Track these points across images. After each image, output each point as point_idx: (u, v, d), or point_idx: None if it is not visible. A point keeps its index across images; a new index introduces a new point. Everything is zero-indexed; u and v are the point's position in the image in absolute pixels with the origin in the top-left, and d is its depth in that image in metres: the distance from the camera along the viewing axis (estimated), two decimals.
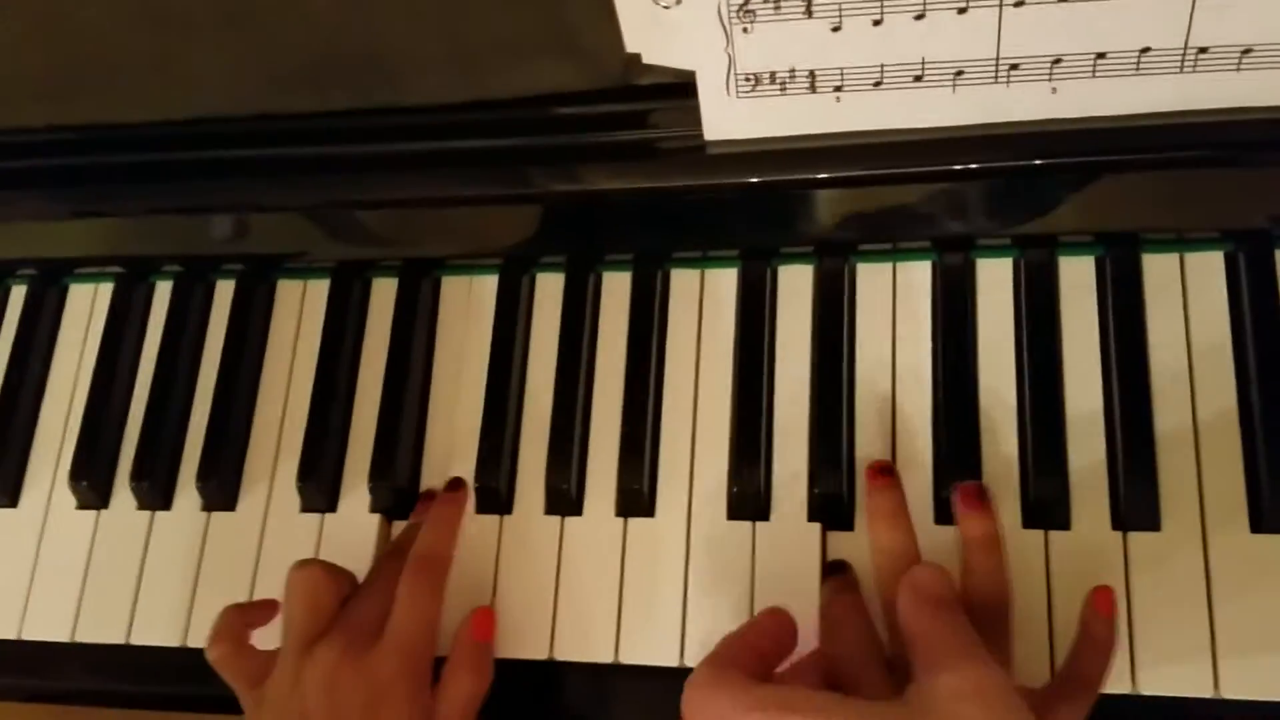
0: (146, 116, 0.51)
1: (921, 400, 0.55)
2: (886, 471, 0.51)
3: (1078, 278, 0.55)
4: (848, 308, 0.57)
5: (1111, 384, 0.52)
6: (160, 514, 0.61)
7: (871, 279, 0.57)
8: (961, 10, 0.38)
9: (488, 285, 0.61)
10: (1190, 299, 0.53)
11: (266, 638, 0.53)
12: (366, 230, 0.59)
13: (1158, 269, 0.54)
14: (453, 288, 0.62)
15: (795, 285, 0.58)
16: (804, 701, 0.37)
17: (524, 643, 0.54)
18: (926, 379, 0.55)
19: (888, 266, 0.57)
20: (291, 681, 0.47)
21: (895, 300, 0.57)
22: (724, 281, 0.59)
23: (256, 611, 0.53)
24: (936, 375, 0.55)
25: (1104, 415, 0.52)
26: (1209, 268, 0.53)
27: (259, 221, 0.58)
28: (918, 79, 0.41)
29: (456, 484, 0.56)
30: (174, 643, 0.58)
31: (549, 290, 0.61)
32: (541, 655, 0.54)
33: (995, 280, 0.55)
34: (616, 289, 0.60)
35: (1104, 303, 0.54)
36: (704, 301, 0.59)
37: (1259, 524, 0.49)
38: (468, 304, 0.62)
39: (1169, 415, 0.51)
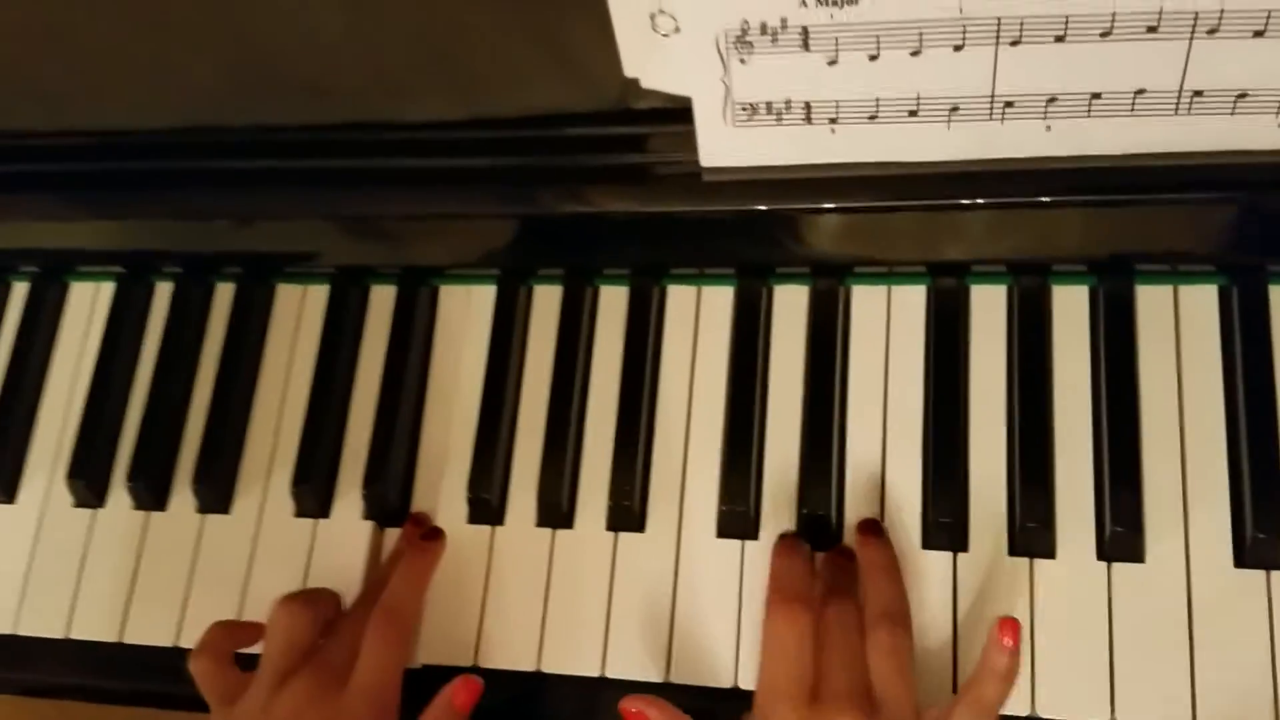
0: (152, 124, 0.51)
1: (913, 424, 0.55)
2: (877, 531, 0.52)
3: (1071, 306, 0.55)
4: (842, 329, 0.57)
5: (1101, 412, 0.52)
6: (155, 514, 0.61)
7: (866, 301, 0.57)
8: (958, 48, 0.39)
9: (486, 296, 0.62)
10: (1183, 332, 0.53)
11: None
12: (366, 239, 0.59)
13: (1151, 301, 0.54)
14: (451, 297, 0.63)
15: (791, 305, 0.58)
16: None
17: (512, 654, 0.54)
18: (918, 403, 0.55)
19: (883, 290, 0.57)
20: (260, 712, 0.49)
21: (889, 323, 0.57)
22: (720, 299, 0.59)
23: (243, 633, 0.54)
24: (928, 399, 0.55)
25: (1092, 442, 0.52)
26: (1203, 301, 0.54)
27: (261, 229, 0.59)
28: (913, 114, 0.41)
29: (432, 534, 0.56)
30: (167, 642, 0.58)
31: (546, 302, 0.61)
32: (529, 667, 0.54)
33: (989, 306, 0.56)
34: (613, 303, 0.60)
35: (1096, 332, 0.54)
36: (700, 318, 0.59)
37: (1241, 559, 0.49)
38: (465, 314, 0.62)
39: (1157, 444, 0.52)
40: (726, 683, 0.52)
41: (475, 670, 0.54)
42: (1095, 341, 0.54)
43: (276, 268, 0.64)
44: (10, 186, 0.59)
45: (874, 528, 0.52)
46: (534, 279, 0.61)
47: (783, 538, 0.53)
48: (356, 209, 0.56)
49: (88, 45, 0.47)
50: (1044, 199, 0.45)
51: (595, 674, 0.54)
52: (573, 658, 0.54)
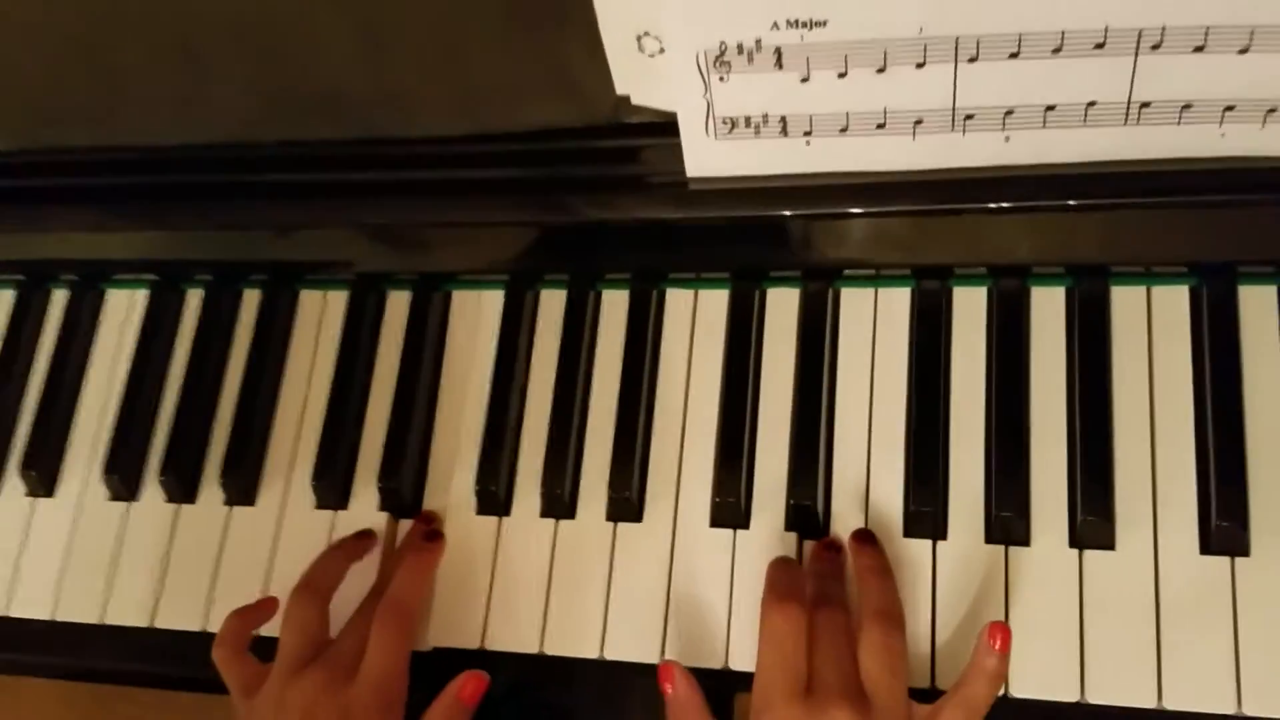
0: (185, 140, 0.55)
1: (897, 418, 0.58)
2: (870, 539, 0.55)
3: (1049, 306, 0.57)
4: (831, 329, 0.60)
5: (1075, 407, 0.55)
6: (185, 507, 0.65)
7: (854, 303, 0.60)
8: (920, 65, 0.42)
9: (495, 299, 0.65)
10: (1155, 330, 0.56)
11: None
12: (384, 247, 0.63)
13: (1125, 301, 0.57)
14: (462, 301, 0.66)
15: (782, 306, 0.61)
16: None
17: (517, 637, 0.58)
18: (902, 398, 0.58)
19: (870, 291, 0.60)
20: (276, 703, 0.53)
21: (876, 323, 0.60)
22: (716, 301, 0.62)
23: (256, 614, 0.58)
24: (911, 395, 0.58)
25: (1067, 435, 0.55)
26: (1175, 301, 0.56)
27: (287, 239, 0.63)
28: (880, 127, 0.44)
29: (433, 534, 0.60)
30: (195, 628, 0.62)
31: (552, 306, 0.64)
32: (532, 649, 0.57)
33: (970, 306, 0.59)
34: (615, 305, 0.63)
35: (1072, 331, 0.57)
36: (696, 320, 0.62)
37: (1207, 546, 0.52)
38: (476, 317, 0.65)
39: (1128, 438, 0.54)
40: (718, 664, 0.55)
41: (481, 652, 0.57)
42: (1071, 340, 0.57)
43: (300, 275, 0.68)
44: (53, 199, 0.64)
45: (867, 536, 0.55)
46: (541, 283, 0.65)
47: (777, 557, 0.56)
48: (375, 219, 0.60)
49: (124, 67, 0.51)
50: (1015, 205, 0.48)
51: (595, 656, 0.57)
52: (574, 641, 0.57)
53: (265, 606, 0.58)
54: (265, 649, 0.57)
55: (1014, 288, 0.58)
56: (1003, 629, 0.47)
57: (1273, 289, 0.55)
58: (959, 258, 0.57)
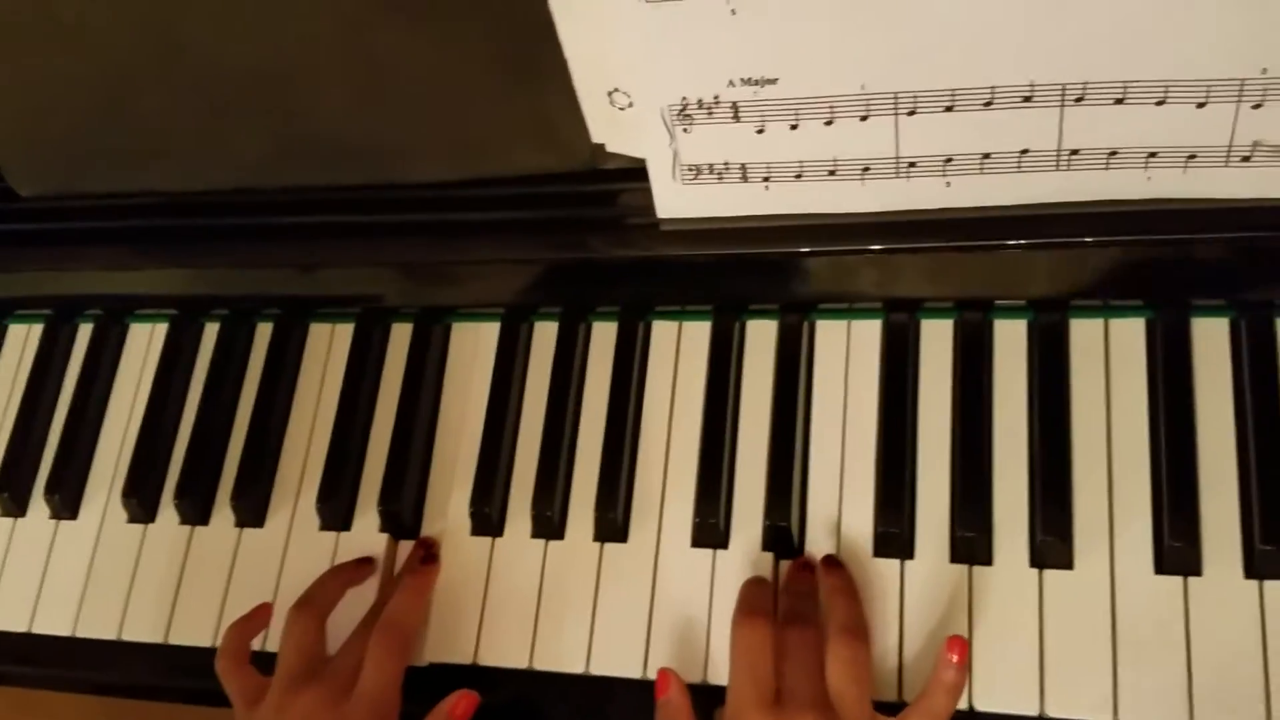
0: (199, 186, 0.60)
1: (868, 443, 0.60)
2: (837, 563, 0.58)
3: (1012, 338, 0.60)
4: (806, 359, 0.63)
5: (1036, 432, 0.58)
6: (199, 529, 0.69)
7: (829, 334, 0.63)
8: (864, 118, 0.45)
9: (492, 331, 0.69)
10: (1112, 361, 0.59)
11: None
12: (388, 282, 0.67)
13: (1084, 333, 0.59)
14: (461, 333, 0.70)
15: (761, 337, 0.64)
16: None
17: (508, 652, 0.61)
18: (873, 425, 0.61)
19: (843, 324, 0.63)
20: (276, 715, 0.56)
21: (849, 353, 0.63)
22: (699, 333, 0.65)
23: (252, 622, 0.61)
24: (882, 421, 0.60)
25: (1028, 461, 0.58)
26: (1131, 334, 0.59)
27: (300, 276, 0.67)
28: (831, 173, 0.48)
29: (429, 558, 0.63)
30: (207, 643, 0.65)
31: (545, 336, 0.68)
32: (522, 664, 0.60)
33: (937, 338, 0.61)
34: (605, 336, 0.67)
35: (1033, 361, 0.59)
36: (680, 350, 0.66)
37: (1161, 566, 0.54)
38: (475, 347, 0.69)
39: (1086, 462, 0.57)
40: (697, 678, 0.58)
41: (473, 667, 0.60)
42: (1032, 370, 0.59)
43: (311, 309, 0.72)
44: (81, 241, 0.68)
45: (834, 561, 0.58)
46: (535, 315, 0.68)
47: (750, 577, 0.59)
48: (380, 259, 0.64)
49: (149, 117, 0.56)
50: (967, 245, 0.51)
51: (581, 671, 0.60)
52: (562, 656, 0.60)
53: (260, 614, 0.62)
54: (267, 663, 0.60)
55: (977, 320, 0.61)
56: (960, 643, 0.50)
57: (1224, 321, 0.58)
58: (925, 292, 0.60)
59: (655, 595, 0.60)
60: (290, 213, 0.64)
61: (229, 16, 0.49)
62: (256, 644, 0.62)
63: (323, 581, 0.62)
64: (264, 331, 0.73)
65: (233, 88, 0.53)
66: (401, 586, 0.60)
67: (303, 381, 0.71)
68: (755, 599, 0.55)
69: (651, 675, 0.58)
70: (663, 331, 0.66)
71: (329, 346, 0.72)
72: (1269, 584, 0.52)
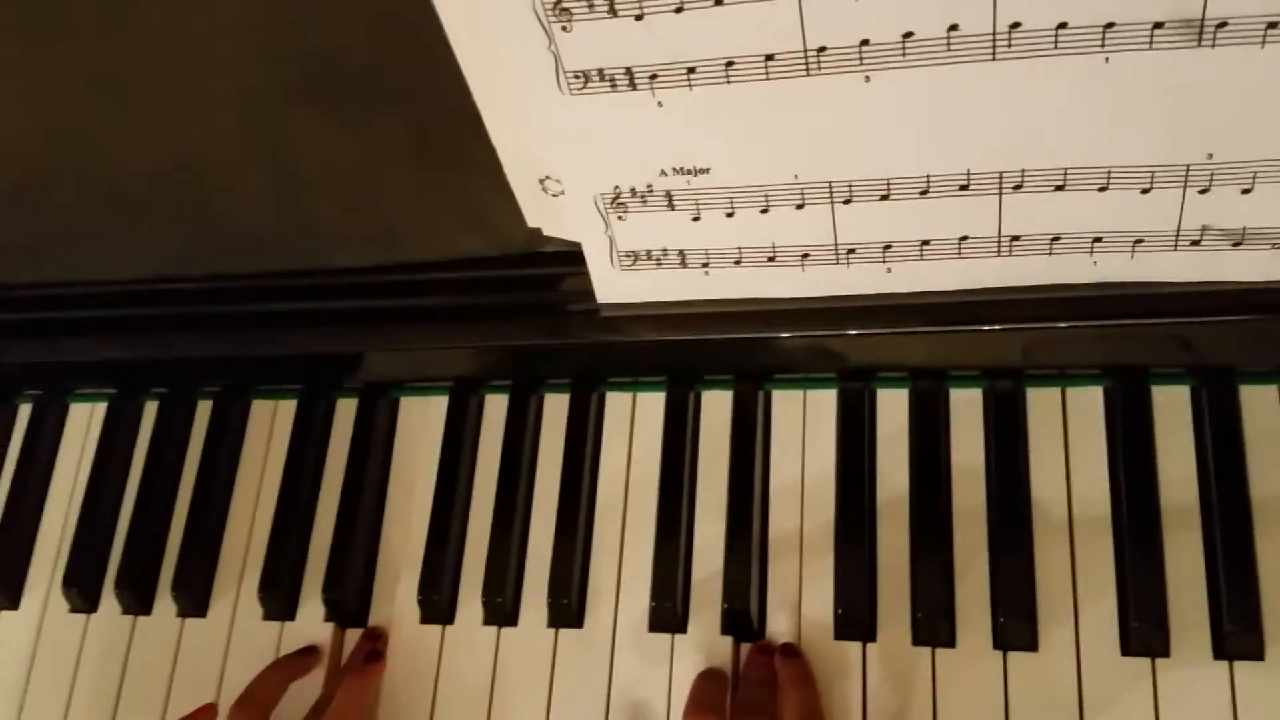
0: (114, 275, 0.57)
1: (827, 516, 0.59)
2: (794, 652, 0.56)
3: (967, 407, 0.59)
4: (763, 428, 0.61)
5: (994, 504, 0.56)
6: (141, 619, 0.66)
7: (784, 404, 0.62)
8: (800, 206, 0.43)
9: (441, 405, 0.67)
10: (1070, 430, 0.57)
11: None
12: (323, 364, 0.65)
13: (1041, 401, 0.58)
14: (409, 407, 0.68)
15: (716, 407, 0.63)
16: None
17: None
18: (831, 497, 0.59)
19: (799, 394, 0.62)
20: None
21: (805, 423, 0.61)
22: (653, 404, 0.64)
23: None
24: (840, 492, 0.59)
25: (988, 536, 0.56)
26: (1090, 402, 0.57)
27: (231, 366, 0.65)
28: (771, 259, 0.46)
29: (373, 655, 0.61)
30: None
31: (496, 409, 0.66)
32: None
33: (892, 407, 0.60)
34: (557, 409, 0.65)
35: (988, 430, 0.58)
36: (635, 422, 0.64)
37: (1128, 648, 0.53)
38: (423, 422, 0.67)
39: (1048, 540, 0.55)
40: None
41: None
42: (988, 438, 0.58)
43: (251, 385, 0.70)
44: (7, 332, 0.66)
45: (791, 650, 0.56)
46: (485, 388, 0.66)
47: (704, 670, 0.57)
48: (317, 347, 0.62)
49: (58, 211, 0.54)
50: (917, 330, 0.50)
51: None
52: None
53: (202, 716, 0.59)
54: None
55: (932, 389, 0.59)
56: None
57: (1184, 389, 0.56)
58: (879, 361, 0.59)
59: (612, 682, 0.58)
60: (218, 301, 0.62)
61: (135, 113, 0.47)
62: None
63: (264, 677, 0.60)
64: (204, 410, 0.71)
65: (144, 180, 0.51)
66: (343, 687, 0.58)
67: (244, 462, 0.69)
68: (705, 695, 0.53)
69: None
70: (616, 403, 0.64)
71: (271, 424, 0.70)
72: (1239, 665, 0.51)
